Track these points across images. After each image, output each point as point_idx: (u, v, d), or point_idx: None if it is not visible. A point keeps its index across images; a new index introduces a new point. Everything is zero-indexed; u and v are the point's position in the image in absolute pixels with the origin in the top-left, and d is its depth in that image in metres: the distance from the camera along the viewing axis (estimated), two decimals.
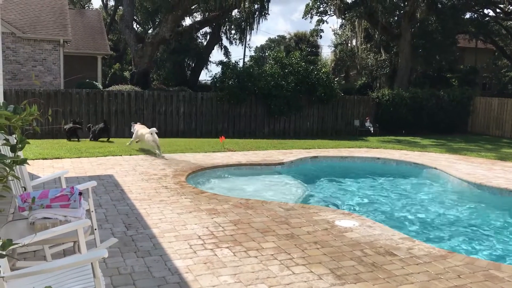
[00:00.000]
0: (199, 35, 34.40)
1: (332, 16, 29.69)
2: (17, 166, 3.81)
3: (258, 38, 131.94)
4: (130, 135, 15.82)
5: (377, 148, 13.63)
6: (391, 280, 4.08)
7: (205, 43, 34.42)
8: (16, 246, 1.94)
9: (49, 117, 2.20)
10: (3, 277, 2.24)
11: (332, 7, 27.18)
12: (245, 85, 17.76)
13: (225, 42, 35.44)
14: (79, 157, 10.27)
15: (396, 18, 25.52)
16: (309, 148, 12.88)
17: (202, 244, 4.83)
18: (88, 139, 13.82)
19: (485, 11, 27.55)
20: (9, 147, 1.76)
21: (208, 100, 17.82)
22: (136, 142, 11.92)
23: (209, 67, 36.82)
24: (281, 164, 10.20)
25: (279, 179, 9.48)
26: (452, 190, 9.15)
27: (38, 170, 8.38)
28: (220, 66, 19.27)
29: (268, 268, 4.24)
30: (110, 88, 18.86)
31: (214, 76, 19.07)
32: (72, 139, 13.67)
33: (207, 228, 5.38)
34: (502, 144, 16.45)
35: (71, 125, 13.83)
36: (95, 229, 4.45)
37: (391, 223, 6.61)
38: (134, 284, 3.85)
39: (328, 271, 4.22)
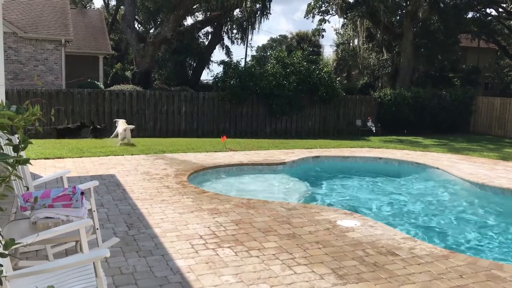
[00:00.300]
0: (200, 34, 34.41)
1: (334, 15, 29.67)
2: (20, 166, 3.82)
3: (260, 37, 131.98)
4: (131, 134, 15.85)
5: (379, 148, 13.62)
6: (393, 280, 4.08)
7: (206, 43, 34.42)
8: (18, 245, 1.94)
9: (51, 116, 2.21)
10: (5, 276, 2.24)
11: (334, 6, 27.15)
12: (246, 84, 17.76)
13: (226, 41, 35.45)
14: (80, 157, 10.28)
15: (398, 17, 25.49)
16: (311, 148, 12.87)
17: (204, 243, 4.83)
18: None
19: (488, 10, 27.51)
20: (11, 147, 1.76)
21: (210, 99, 17.83)
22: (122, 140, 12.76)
23: (210, 66, 36.84)
24: (283, 164, 10.20)
25: (280, 179, 9.48)
26: (454, 190, 9.14)
27: (40, 170, 8.40)
28: (222, 66, 19.29)
29: (270, 268, 4.24)
30: (112, 88, 18.88)
31: (216, 75, 19.09)
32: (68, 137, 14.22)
33: (208, 227, 5.38)
34: (504, 144, 16.42)
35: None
36: (97, 229, 4.46)
37: (393, 223, 6.61)
38: (136, 283, 3.85)
39: (330, 271, 4.22)
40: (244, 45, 37.05)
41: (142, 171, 8.77)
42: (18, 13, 20.59)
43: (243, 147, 12.69)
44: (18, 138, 1.81)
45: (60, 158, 10.08)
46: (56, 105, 15.36)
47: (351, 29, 28.52)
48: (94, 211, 4.40)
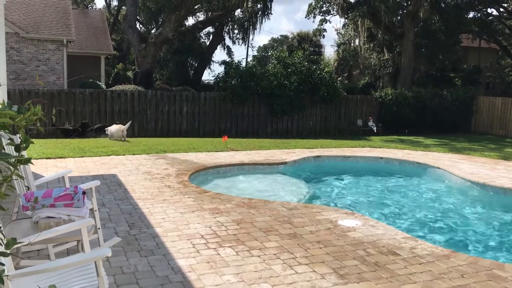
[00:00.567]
0: (202, 35, 34.42)
1: (335, 15, 29.68)
2: (21, 166, 3.83)
3: (261, 37, 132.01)
4: (132, 134, 15.88)
5: (380, 147, 13.61)
6: (394, 279, 4.08)
7: (208, 43, 34.43)
8: (20, 245, 1.95)
9: (52, 116, 2.21)
10: (7, 275, 2.25)
11: (335, 6, 27.13)
12: (248, 84, 17.77)
13: (228, 41, 35.43)
14: (82, 157, 10.30)
15: (399, 17, 25.48)
16: (312, 148, 12.87)
17: (205, 243, 4.84)
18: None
19: (489, 10, 27.47)
20: (13, 147, 1.77)
21: (211, 99, 17.84)
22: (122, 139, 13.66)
23: (212, 66, 36.85)
24: (284, 163, 10.21)
25: (282, 178, 9.48)
26: (455, 189, 9.14)
27: (41, 170, 8.41)
28: (223, 66, 19.29)
29: (271, 268, 4.25)
30: (113, 88, 18.91)
31: (217, 75, 19.11)
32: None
33: (210, 227, 5.39)
34: (505, 144, 16.40)
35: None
36: (99, 228, 4.47)
37: (394, 223, 6.61)
38: (138, 283, 3.86)
39: (331, 271, 4.22)
40: (245, 45, 37.10)
41: (143, 170, 8.78)
42: (20, 14, 20.63)
43: (244, 147, 12.70)
44: (19, 137, 1.82)
45: (61, 157, 10.10)
46: (58, 105, 15.39)
47: (352, 29, 28.52)
48: (95, 210, 4.41)
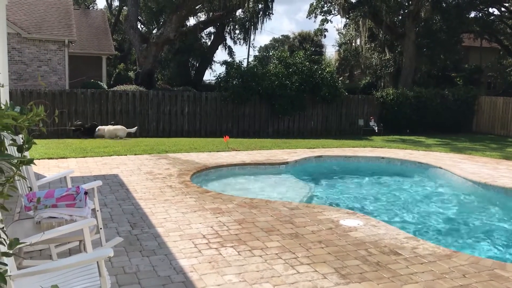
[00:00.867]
0: (203, 35, 34.46)
1: (336, 15, 29.69)
2: (24, 166, 3.84)
3: (262, 38, 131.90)
4: (134, 134, 15.91)
5: (381, 147, 13.61)
6: (396, 279, 4.08)
7: (209, 43, 34.47)
8: (23, 245, 1.96)
9: (55, 118, 2.22)
10: (10, 275, 2.26)
11: (336, 6, 27.14)
12: (249, 85, 17.77)
13: (229, 42, 35.49)
14: (84, 157, 10.32)
15: (400, 17, 25.46)
16: (313, 148, 12.87)
17: (206, 243, 4.85)
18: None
19: (490, 9, 27.44)
20: (16, 147, 1.78)
21: (212, 100, 17.85)
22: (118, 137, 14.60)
23: (213, 67, 36.92)
24: (285, 163, 10.21)
25: (283, 178, 9.49)
26: (457, 189, 9.13)
27: (43, 170, 8.43)
28: (224, 66, 19.29)
29: (272, 267, 4.25)
30: (115, 88, 18.93)
31: (218, 76, 19.10)
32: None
33: (211, 227, 5.39)
34: (507, 144, 16.38)
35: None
36: (101, 228, 4.48)
37: (395, 223, 6.61)
38: (140, 283, 3.87)
39: (333, 270, 4.22)
40: (246, 45, 37.08)
41: (145, 171, 8.79)
42: (22, 14, 20.66)
43: (246, 147, 12.71)
44: (22, 138, 1.83)
45: (63, 158, 10.12)
46: (59, 105, 15.41)
47: (353, 29, 28.52)
48: (97, 210, 4.41)
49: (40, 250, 4.47)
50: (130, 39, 27.24)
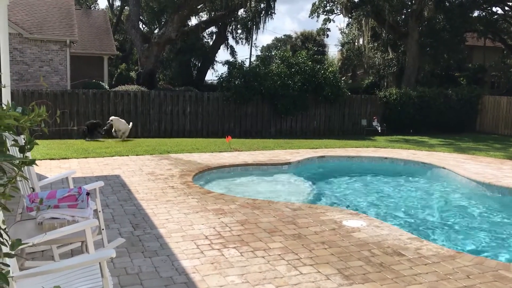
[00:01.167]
0: (205, 34, 34.45)
1: (338, 15, 29.62)
2: (25, 167, 3.83)
3: (264, 37, 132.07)
4: (136, 134, 15.91)
5: (384, 147, 13.57)
6: (399, 280, 4.06)
7: (211, 43, 34.46)
8: (25, 245, 1.94)
9: (57, 118, 2.21)
10: (12, 276, 2.24)
11: (338, 6, 27.11)
12: (251, 84, 17.74)
13: (231, 41, 35.53)
14: (86, 158, 10.31)
15: (403, 16, 25.40)
16: (316, 148, 12.85)
17: (209, 244, 4.83)
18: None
19: (494, 9, 27.35)
20: (17, 148, 1.76)
21: (214, 100, 17.82)
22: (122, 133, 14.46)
23: (215, 67, 36.87)
24: (288, 164, 10.18)
25: (286, 179, 9.46)
26: (460, 190, 9.09)
27: (45, 171, 8.43)
28: (226, 66, 19.27)
29: (275, 268, 4.23)
30: (117, 88, 18.92)
31: (221, 76, 19.08)
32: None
33: (214, 228, 5.38)
34: (511, 144, 16.31)
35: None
36: (103, 229, 4.46)
37: (399, 223, 6.58)
38: (142, 284, 3.85)
39: (336, 271, 4.20)
40: (248, 45, 37.12)
41: (147, 171, 8.78)
42: (24, 14, 20.68)
43: (248, 147, 12.69)
44: (24, 139, 1.81)
45: (65, 158, 10.12)
46: (61, 106, 15.41)
47: (356, 29, 28.47)
48: (99, 211, 4.40)
49: (42, 251, 4.46)
50: (131, 39, 27.25)
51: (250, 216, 5.90)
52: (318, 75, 18.61)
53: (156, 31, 32.35)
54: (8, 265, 1.72)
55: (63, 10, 22.39)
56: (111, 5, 39.04)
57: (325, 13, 29.42)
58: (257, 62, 21.10)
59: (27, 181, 4.24)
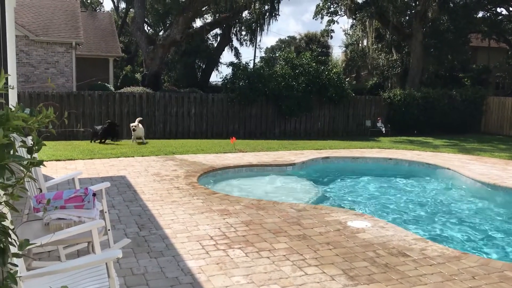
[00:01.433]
0: (209, 36, 34.51)
1: (342, 16, 29.63)
2: (33, 168, 3.86)
3: (268, 39, 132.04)
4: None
5: (389, 148, 13.55)
6: (404, 281, 4.06)
7: (215, 45, 34.51)
8: (33, 246, 1.97)
9: (65, 119, 2.23)
10: (20, 276, 2.27)
11: (342, 7, 27.08)
12: (255, 86, 17.77)
13: (235, 43, 35.48)
14: (91, 159, 10.36)
15: (407, 17, 25.35)
16: (321, 149, 12.84)
17: (214, 244, 4.85)
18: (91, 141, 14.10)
19: (498, 9, 27.24)
20: (25, 149, 1.78)
21: (219, 101, 17.87)
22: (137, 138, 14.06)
23: (219, 68, 36.97)
24: (293, 164, 10.19)
25: (290, 180, 9.47)
26: (465, 190, 9.07)
27: (51, 172, 8.47)
28: (231, 67, 19.31)
29: (280, 269, 4.24)
30: (122, 90, 19.01)
31: (225, 77, 19.12)
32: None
33: (219, 228, 5.39)
34: None
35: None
36: (109, 230, 4.49)
37: (404, 224, 6.57)
38: (148, 284, 3.87)
39: (341, 272, 4.21)
40: (253, 46, 37.11)
41: (152, 172, 8.81)
42: (30, 17, 20.81)
43: (253, 148, 12.70)
44: (32, 140, 1.83)
45: (71, 159, 10.17)
46: (67, 107, 15.49)
47: (360, 30, 28.43)
48: (105, 212, 4.43)
49: (49, 251, 4.48)
50: (136, 41, 27.35)
51: (255, 216, 5.91)
52: (322, 76, 18.62)
53: (161, 33, 32.49)
54: (17, 265, 1.75)
55: (68, 12, 22.51)
56: (116, 8, 39.19)
57: (329, 15, 29.42)
58: (261, 64, 21.14)
59: (35, 182, 4.28)
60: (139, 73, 30.78)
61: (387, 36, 26.19)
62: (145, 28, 30.17)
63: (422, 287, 3.95)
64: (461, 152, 13.09)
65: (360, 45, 31.55)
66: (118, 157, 10.68)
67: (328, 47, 38.19)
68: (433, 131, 19.79)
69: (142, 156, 10.90)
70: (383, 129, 19.21)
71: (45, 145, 1.91)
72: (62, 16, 21.92)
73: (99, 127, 14.08)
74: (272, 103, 18.24)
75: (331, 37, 37.15)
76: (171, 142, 14.40)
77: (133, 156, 10.80)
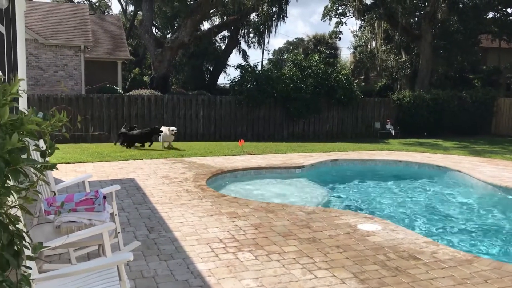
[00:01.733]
0: (217, 39, 34.60)
1: (351, 17, 29.53)
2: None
3: (276, 41, 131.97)
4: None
5: (398, 150, 13.48)
6: (416, 284, 4.02)
7: (223, 47, 34.59)
8: (46, 248, 1.97)
9: (78, 123, 2.24)
10: (33, 279, 2.28)
11: (351, 8, 27.02)
12: (263, 88, 17.78)
13: (243, 45, 35.57)
14: (101, 161, 10.41)
15: (416, 19, 25.22)
16: (330, 151, 12.80)
17: (223, 247, 4.84)
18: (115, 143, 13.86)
19: (509, 10, 26.98)
20: (39, 153, 1.79)
21: (227, 103, 17.89)
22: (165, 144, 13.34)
23: (227, 70, 37.03)
24: (301, 167, 10.16)
25: (299, 182, 9.44)
26: (476, 193, 8.99)
27: (61, 175, 8.52)
28: (239, 70, 19.35)
29: (290, 272, 4.23)
30: (130, 93, 19.11)
31: (233, 79, 19.16)
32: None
33: (228, 231, 5.39)
34: None
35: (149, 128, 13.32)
36: (119, 233, 4.50)
37: (414, 227, 6.52)
38: (158, 287, 3.87)
39: (351, 275, 4.18)
40: (260, 48, 37.14)
41: (161, 175, 8.84)
42: (39, 20, 20.99)
43: (261, 150, 12.69)
44: (44, 143, 1.84)
45: (80, 162, 10.22)
46: (76, 110, 15.59)
47: (369, 31, 28.35)
48: (115, 214, 4.44)
49: (60, 254, 4.50)
50: (145, 44, 27.46)
51: (264, 219, 5.90)
52: (331, 78, 18.59)
53: (169, 36, 32.60)
54: (30, 268, 1.75)
55: (77, 16, 22.68)
56: (124, 11, 39.42)
57: (337, 16, 29.34)
58: (269, 66, 21.15)
59: (48, 185, 4.30)
60: (147, 76, 30.91)
61: (396, 37, 26.08)
62: (153, 30, 30.32)
63: None
64: (472, 154, 12.98)
65: (368, 46, 31.44)
66: (127, 159, 10.72)
67: (336, 48, 38.11)
68: (443, 133, 19.67)
69: (151, 158, 10.93)
70: (393, 131, 19.11)
71: (58, 148, 1.92)
72: (70, 20, 22.08)
73: (135, 131, 13.20)
74: (280, 105, 18.23)
75: (340, 38, 37.07)
76: (180, 144, 14.43)
77: (142, 159, 10.83)
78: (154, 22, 32.77)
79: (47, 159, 1.91)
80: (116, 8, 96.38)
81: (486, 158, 12.20)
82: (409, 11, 23.04)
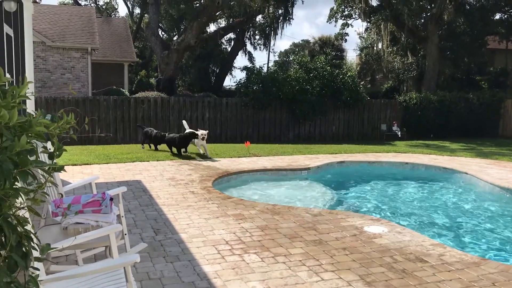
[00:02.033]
0: (223, 41, 34.66)
1: (357, 19, 29.51)
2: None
3: (282, 43, 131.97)
4: None
5: (405, 152, 13.43)
6: (422, 287, 4.00)
7: (229, 49, 34.65)
8: (54, 250, 1.99)
9: (86, 125, 2.26)
10: (41, 280, 2.29)
11: (357, 10, 26.99)
12: (269, 90, 17.78)
13: (249, 47, 35.59)
14: (107, 163, 10.45)
15: (422, 20, 25.14)
16: (336, 153, 12.78)
17: (230, 249, 4.84)
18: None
19: None
20: (47, 154, 1.81)
21: (233, 105, 17.91)
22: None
23: (233, 72, 37.08)
24: (308, 169, 10.15)
25: (305, 184, 9.43)
26: (483, 195, 8.93)
27: (68, 176, 8.56)
28: (245, 72, 19.36)
29: (296, 274, 4.22)
30: (137, 95, 19.18)
31: (239, 81, 19.18)
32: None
33: (234, 233, 5.39)
34: None
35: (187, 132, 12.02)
36: (125, 234, 4.52)
37: (421, 229, 6.49)
38: None
39: (358, 278, 4.17)
40: (266, 50, 37.14)
41: (167, 176, 8.86)
42: (46, 23, 21.14)
43: (267, 152, 12.69)
44: (52, 145, 1.85)
45: (87, 164, 10.27)
46: (83, 112, 15.67)
47: (375, 33, 28.28)
48: (122, 216, 4.45)
49: (66, 255, 4.53)
50: (151, 46, 27.56)
51: (270, 221, 5.90)
52: (337, 79, 18.56)
53: (175, 38, 32.67)
54: (38, 269, 1.76)
55: (84, 18, 22.81)
56: (131, 13, 39.59)
57: (343, 18, 29.34)
58: (275, 68, 21.15)
59: (56, 187, 4.33)
60: (153, 78, 31.01)
61: (402, 39, 26.01)
62: (160, 33, 30.40)
63: None
64: (479, 156, 12.90)
65: (375, 48, 31.39)
66: (134, 161, 10.75)
67: (342, 50, 38.03)
68: (450, 135, 19.57)
69: (157, 160, 10.96)
70: (399, 133, 19.04)
71: (65, 150, 1.93)
72: (78, 22, 22.22)
73: (171, 135, 12.31)
74: (286, 107, 18.22)
75: (346, 40, 37.02)
76: None
77: (148, 161, 10.86)
78: (160, 25, 32.90)
79: (54, 161, 1.93)
80: (122, 11, 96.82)
81: (494, 160, 12.12)
82: (415, 12, 22.97)
